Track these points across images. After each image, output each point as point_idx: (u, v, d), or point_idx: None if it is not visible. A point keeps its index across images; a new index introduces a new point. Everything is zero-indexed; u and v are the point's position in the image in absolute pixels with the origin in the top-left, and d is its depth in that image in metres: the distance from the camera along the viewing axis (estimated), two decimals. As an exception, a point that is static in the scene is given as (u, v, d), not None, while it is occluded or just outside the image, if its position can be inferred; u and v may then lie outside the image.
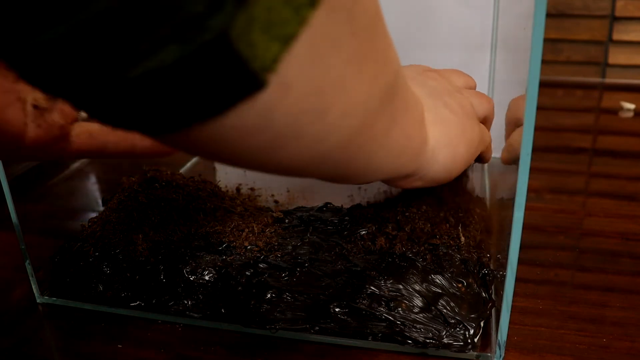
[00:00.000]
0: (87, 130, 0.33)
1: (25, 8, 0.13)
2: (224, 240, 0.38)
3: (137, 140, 0.35)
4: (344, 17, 0.17)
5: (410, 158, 0.29)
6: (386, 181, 0.33)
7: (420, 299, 0.34)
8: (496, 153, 0.51)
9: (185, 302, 0.37)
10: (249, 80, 0.15)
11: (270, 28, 0.15)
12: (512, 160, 0.36)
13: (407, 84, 0.25)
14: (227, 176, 0.56)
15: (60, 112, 0.31)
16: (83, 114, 0.35)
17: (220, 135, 0.17)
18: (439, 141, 0.31)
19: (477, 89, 0.57)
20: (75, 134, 0.33)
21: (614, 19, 0.81)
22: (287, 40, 0.15)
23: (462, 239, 0.37)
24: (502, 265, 0.32)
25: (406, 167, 0.30)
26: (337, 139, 0.20)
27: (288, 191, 0.52)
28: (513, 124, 0.36)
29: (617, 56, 0.83)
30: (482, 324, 0.34)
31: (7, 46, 0.14)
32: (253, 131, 0.17)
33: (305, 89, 0.17)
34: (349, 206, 0.42)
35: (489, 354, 0.33)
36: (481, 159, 0.42)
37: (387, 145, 0.25)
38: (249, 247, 0.38)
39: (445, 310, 0.33)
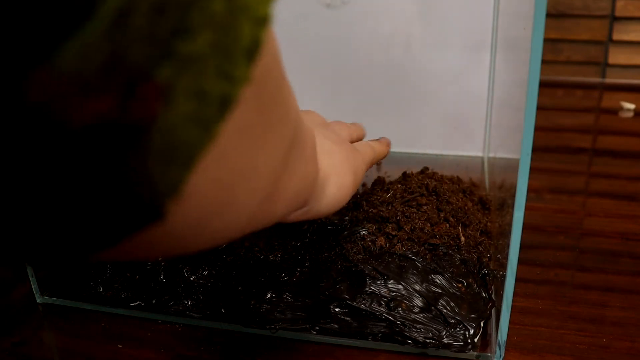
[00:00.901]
0: None
1: None
2: (224, 240, 0.38)
3: None
4: (255, 103, 0.15)
5: (304, 195, 0.27)
6: None
7: (420, 299, 0.34)
8: (497, 153, 0.51)
9: (185, 302, 0.37)
10: (144, 215, 0.13)
11: (171, 154, 0.12)
12: None
13: (302, 119, 0.23)
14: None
15: None
16: None
17: (112, 255, 0.15)
18: (326, 172, 0.30)
19: (476, 90, 0.57)
20: None
21: (614, 19, 0.81)
22: (190, 161, 0.13)
23: (462, 239, 0.37)
24: (502, 265, 0.32)
25: (299, 204, 0.27)
26: (245, 219, 0.18)
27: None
28: None
29: (617, 56, 0.83)
30: (482, 324, 0.34)
31: None
32: (150, 246, 0.15)
33: (209, 192, 0.15)
34: (349, 206, 0.42)
35: (489, 354, 0.33)
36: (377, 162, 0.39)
37: (288, 195, 0.23)
38: (249, 247, 0.38)
39: (445, 310, 0.33)
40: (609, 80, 0.83)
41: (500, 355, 0.32)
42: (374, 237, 0.37)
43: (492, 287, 0.35)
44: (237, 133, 0.14)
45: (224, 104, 0.13)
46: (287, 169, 0.21)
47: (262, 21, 0.13)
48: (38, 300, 0.40)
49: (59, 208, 0.12)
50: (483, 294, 0.35)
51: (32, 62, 0.10)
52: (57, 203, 0.12)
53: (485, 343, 0.33)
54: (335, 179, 0.31)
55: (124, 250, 0.14)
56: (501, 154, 0.46)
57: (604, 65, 0.84)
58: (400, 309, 0.33)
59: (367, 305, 0.34)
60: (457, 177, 0.45)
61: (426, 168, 0.47)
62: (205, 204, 0.15)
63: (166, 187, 0.13)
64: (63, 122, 0.11)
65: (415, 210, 0.38)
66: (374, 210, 0.39)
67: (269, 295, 0.35)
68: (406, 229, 0.37)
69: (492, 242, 0.38)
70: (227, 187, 0.15)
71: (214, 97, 0.12)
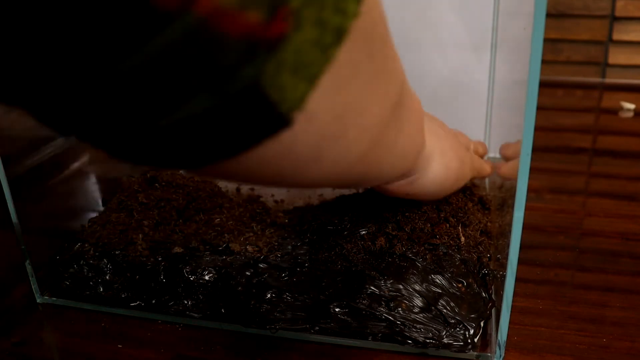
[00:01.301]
0: None
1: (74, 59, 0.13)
2: (224, 240, 0.38)
3: None
4: (364, 44, 0.18)
5: (411, 159, 0.30)
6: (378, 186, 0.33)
7: (420, 299, 0.34)
8: (497, 153, 0.51)
9: (185, 302, 0.37)
10: (277, 121, 0.16)
11: (299, 69, 0.15)
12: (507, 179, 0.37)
13: (409, 88, 0.26)
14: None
15: None
16: None
17: (242, 165, 0.18)
18: (434, 149, 0.32)
19: (476, 90, 0.57)
20: None
21: (614, 19, 0.81)
22: (313, 79, 0.16)
23: (462, 239, 0.37)
24: (502, 265, 0.32)
25: (404, 169, 0.30)
26: (355, 156, 0.21)
27: (288, 191, 0.52)
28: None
29: (617, 56, 0.83)
30: (482, 324, 0.34)
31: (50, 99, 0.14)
32: (275, 160, 0.18)
33: (326, 117, 0.18)
34: (349, 206, 0.42)
35: (489, 354, 0.33)
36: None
37: (395, 151, 0.25)
38: (249, 247, 0.38)
39: (445, 310, 0.33)
40: (609, 80, 0.83)
41: (500, 355, 0.32)
42: (374, 237, 0.37)
43: (492, 287, 0.35)
44: (350, 68, 0.17)
45: (339, 33, 0.16)
46: (394, 123, 0.24)
47: None
48: (38, 300, 0.40)
49: (213, 110, 0.15)
50: (483, 294, 0.35)
51: None
52: (211, 106, 0.15)
53: (485, 343, 0.33)
54: (441, 158, 0.33)
55: (254, 159, 0.17)
56: (501, 154, 0.46)
57: (604, 65, 0.83)
58: (400, 309, 0.33)
59: (367, 305, 0.34)
60: (457, 177, 0.45)
61: (426, 168, 0.47)
62: (322, 127, 0.18)
63: (294, 97, 0.16)
64: (222, 32, 0.14)
65: (415, 210, 0.38)
66: (374, 210, 0.39)
67: (269, 295, 0.35)
68: (406, 229, 0.37)
69: (492, 242, 0.38)
70: (341, 117, 0.18)
71: (331, 26, 0.15)
